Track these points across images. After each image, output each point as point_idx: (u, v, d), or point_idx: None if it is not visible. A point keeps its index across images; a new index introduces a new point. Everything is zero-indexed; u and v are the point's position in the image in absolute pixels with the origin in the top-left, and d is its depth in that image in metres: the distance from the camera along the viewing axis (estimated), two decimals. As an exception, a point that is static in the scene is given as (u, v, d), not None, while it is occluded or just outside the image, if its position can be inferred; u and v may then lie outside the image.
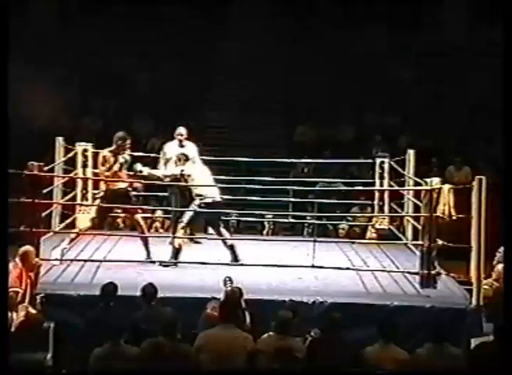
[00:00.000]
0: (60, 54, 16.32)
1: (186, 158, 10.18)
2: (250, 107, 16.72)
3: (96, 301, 7.87)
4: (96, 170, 11.56)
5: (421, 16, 17.76)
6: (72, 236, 10.12)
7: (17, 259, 8.14)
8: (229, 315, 6.99)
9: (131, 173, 10.30)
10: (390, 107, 16.58)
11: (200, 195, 9.91)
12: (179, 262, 9.71)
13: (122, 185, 10.01)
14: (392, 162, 11.91)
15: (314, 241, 9.81)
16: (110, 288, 7.84)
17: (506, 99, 7.28)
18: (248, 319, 7.64)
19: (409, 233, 11.64)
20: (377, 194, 12.01)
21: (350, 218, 13.09)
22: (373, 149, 14.49)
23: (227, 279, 8.26)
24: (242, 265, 9.65)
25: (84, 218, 11.59)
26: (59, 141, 11.80)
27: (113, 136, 10.13)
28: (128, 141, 10.02)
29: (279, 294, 8.61)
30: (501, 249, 9.16)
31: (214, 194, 10.02)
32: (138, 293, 7.87)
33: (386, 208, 11.98)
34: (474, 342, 7.63)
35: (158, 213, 12.75)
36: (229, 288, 8.01)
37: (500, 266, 9.00)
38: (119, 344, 6.77)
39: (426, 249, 9.24)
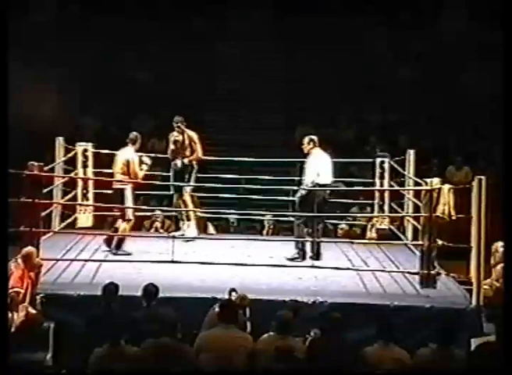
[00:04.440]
0: (60, 54, 16.31)
1: None
2: (251, 107, 16.72)
3: (96, 301, 7.87)
4: (96, 170, 11.64)
5: (420, 16, 17.75)
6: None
7: (19, 260, 8.14)
8: (230, 316, 6.98)
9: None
10: (390, 107, 16.58)
11: None
12: (180, 262, 9.70)
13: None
14: (392, 162, 11.91)
15: (314, 241, 9.81)
16: (111, 288, 7.83)
17: (507, 99, 7.27)
18: (249, 328, 7.61)
19: (409, 233, 11.64)
20: (377, 194, 12.00)
21: (350, 218, 13.08)
22: (376, 148, 14.47)
23: (232, 290, 8.13)
24: (242, 265, 9.64)
25: (84, 218, 11.62)
26: (59, 141, 11.81)
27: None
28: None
29: (279, 294, 8.61)
30: (497, 247, 9.16)
31: None
32: (138, 293, 7.86)
33: (386, 208, 11.97)
34: (474, 342, 7.63)
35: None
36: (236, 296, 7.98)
37: (500, 266, 9.01)
38: (119, 344, 6.77)
39: (426, 249, 9.24)
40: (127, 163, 10.38)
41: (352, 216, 13.07)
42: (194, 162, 11.29)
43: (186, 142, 11.27)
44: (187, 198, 11.26)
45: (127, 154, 10.49)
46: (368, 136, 15.96)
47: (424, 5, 17.79)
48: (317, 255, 10.23)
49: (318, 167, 10.29)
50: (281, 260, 10.22)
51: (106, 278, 8.36)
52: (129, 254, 10.27)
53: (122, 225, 10.44)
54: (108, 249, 10.39)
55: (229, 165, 13.36)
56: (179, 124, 11.28)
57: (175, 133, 11.31)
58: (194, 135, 11.32)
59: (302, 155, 12.60)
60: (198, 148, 11.28)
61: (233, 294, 8.02)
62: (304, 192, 10.21)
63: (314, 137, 10.52)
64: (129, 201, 10.36)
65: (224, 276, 9.09)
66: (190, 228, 11.29)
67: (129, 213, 10.39)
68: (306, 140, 10.51)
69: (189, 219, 11.31)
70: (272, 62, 17.46)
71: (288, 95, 16.93)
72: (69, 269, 9.41)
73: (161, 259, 9.72)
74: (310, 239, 10.32)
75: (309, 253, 10.24)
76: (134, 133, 10.72)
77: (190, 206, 11.31)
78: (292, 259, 10.20)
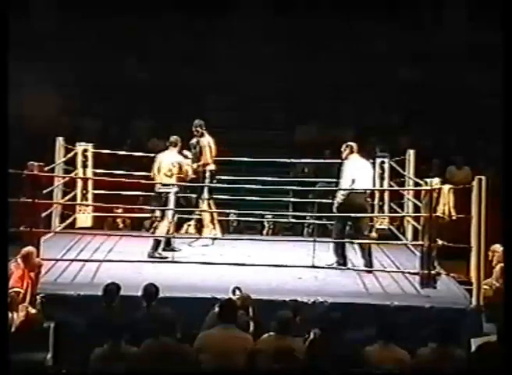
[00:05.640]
0: (60, 54, 16.31)
1: None
2: (251, 107, 16.71)
3: (97, 301, 7.87)
4: (96, 170, 11.65)
5: (421, 16, 17.74)
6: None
7: (19, 260, 8.14)
8: (229, 315, 6.97)
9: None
10: (390, 107, 16.57)
11: None
12: (180, 262, 9.71)
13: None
14: (392, 162, 11.91)
15: (314, 241, 9.82)
16: (112, 288, 7.83)
17: (507, 99, 7.27)
18: (251, 328, 7.59)
19: (409, 233, 11.64)
20: (377, 195, 12.00)
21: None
22: (376, 148, 14.45)
23: (236, 288, 8.07)
24: (242, 265, 9.64)
25: (84, 218, 11.63)
26: (59, 141, 11.81)
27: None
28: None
29: (279, 294, 8.61)
30: (495, 248, 9.15)
31: None
32: (138, 293, 7.86)
33: (386, 208, 11.97)
34: (474, 342, 7.63)
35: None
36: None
37: (500, 266, 9.00)
38: (120, 344, 6.77)
39: (426, 249, 9.25)
40: (178, 165, 10.41)
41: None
42: (207, 169, 11.19)
43: (197, 148, 11.26)
44: (202, 206, 11.14)
45: (174, 156, 10.50)
46: (367, 136, 15.94)
47: (424, 5, 17.78)
48: (370, 263, 9.98)
49: (354, 173, 10.03)
50: (281, 260, 10.21)
51: (106, 278, 8.36)
52: (165, 257, 10.08)
53: (161, 226, 10.29)
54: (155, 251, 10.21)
55: (229, 165, 13.36)
56: (197, 128, 11.27)
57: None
58: (206, 141, 11.24)
59: (301, 156, 12.67)
60: (205, 154, 11.19)
61: (237, 292, 8.01)
62: (340, 200, 10.06)
63: (352, 143, 10.23)
64: (171, 204, 10.29)
65: (224, 276, 9.09)
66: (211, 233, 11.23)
67: (169, 216, 10.30)
68: (343, 146, 10.23)
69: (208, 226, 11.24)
70: (272, 62, 17.43)
71: (288, 95, 16.91)
72: (69, 269, 9.41)
73: (161, 259, 9.72)
74: (310, 239, 10.32)
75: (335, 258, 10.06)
76: (175, 136, 10.69)
77: (207, 216, 11.23)
78: (331, 264, 10.00)
